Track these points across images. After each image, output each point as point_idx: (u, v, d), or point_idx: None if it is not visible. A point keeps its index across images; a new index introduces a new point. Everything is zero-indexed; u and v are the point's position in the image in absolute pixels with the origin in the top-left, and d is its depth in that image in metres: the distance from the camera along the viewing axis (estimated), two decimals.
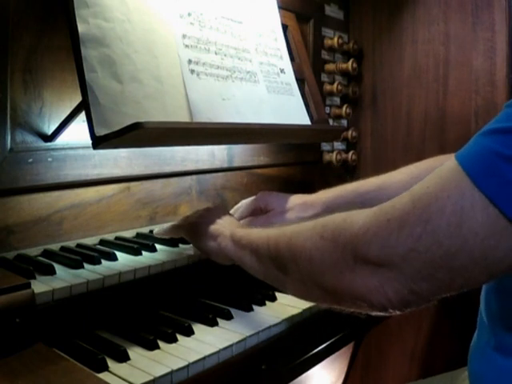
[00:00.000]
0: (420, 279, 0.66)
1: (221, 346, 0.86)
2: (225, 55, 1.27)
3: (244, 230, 0.97)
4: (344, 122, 2.03)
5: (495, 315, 0.82)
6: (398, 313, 0.72)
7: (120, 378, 0.76)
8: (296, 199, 1.30)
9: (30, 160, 1.06)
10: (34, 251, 1.06)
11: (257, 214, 1.31)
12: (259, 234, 0.91)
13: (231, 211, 1.34)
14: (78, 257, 1.00)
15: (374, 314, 0.74)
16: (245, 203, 1.33)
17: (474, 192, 0.62)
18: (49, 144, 1.10)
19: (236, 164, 1.54)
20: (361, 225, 0.71)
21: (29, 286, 0.81)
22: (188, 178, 1.39)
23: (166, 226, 1.13)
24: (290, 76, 1.48)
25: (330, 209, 1.25)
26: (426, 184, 0.68)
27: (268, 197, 1.32)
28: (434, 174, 0.68)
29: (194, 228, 1.08)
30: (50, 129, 1.10)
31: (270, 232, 0.88)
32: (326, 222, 0.78)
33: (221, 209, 1.13)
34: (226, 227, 1.01)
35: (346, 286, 0.72)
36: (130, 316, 0.96)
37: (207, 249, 1.03)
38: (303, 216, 1.25)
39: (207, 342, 0.88)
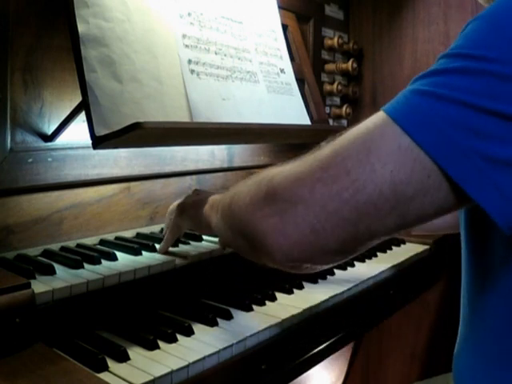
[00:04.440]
0: (324, 216, 0.63)
1: (221, 346, 0.86)
2: (225, 55, 1.27)
3: (219, 194, 0.95)
4: (344, 122, 2.03)
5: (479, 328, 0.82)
6: (303, 268, 0.69)
7: (120, 377, 0.76)
8: None
9: (30, 160, 1.06)
10: (34, 251, 1.06)
11: None
12: (225, 193, 0.89)
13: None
14: (77, 257, 1.00)
15: (282, 266, 0.70)
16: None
17: (388, 124, 0.62)
18: (49, 144, 1.10)
19: (236, 164, 1.54)
20: (281, 168, 0.71)
21: (29, 285, 0.81)
22: (188, 178, 1.39)
23: (163, 241, 1.12)
24: (290, 76, 1.49)
25: None
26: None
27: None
28: None
29: (183, 205, 1.08)
30: (50, 129, 1.10)
31: (233, 188, 0.86)
32: (263, 170, 0.77)
33: (204, 190, 1.14)
34: (207, 195, 1.01)
35: (254, 226, 0.70)
36: (129, 316, 0.96)
37: (193, 220, 1.03)
38: None
39: (207, 342, 0.88)
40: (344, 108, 1.94)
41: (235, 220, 0.77)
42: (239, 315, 1.00)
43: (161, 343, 0.86)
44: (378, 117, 0.65)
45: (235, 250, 0.87)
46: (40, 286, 0.87)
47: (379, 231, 0.65)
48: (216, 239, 1.22)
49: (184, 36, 1.19)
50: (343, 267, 1.32)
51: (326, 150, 0.67)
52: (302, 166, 0.67)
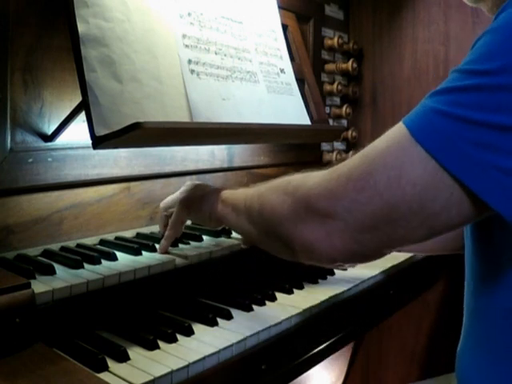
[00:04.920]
0: (363, 230, 0.71)
1: (221, 346, 0.86)
2: (225, 55, 1.27)
3: (230, 191, 1.02)
4: (344, 122, 2.03)
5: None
6: (347, 265, 0.80)
7: (120, 377, 0.76)
8: None
9: (30, 160, 1.06)
10: (34, 251, 1.06)
11: None
12: (241, 192, 0.98)
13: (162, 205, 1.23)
14: (77, 257, 1.00)
15: (326, 265, 0.81)
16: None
17: (414, 146, 0.67)
18: (49, 144, 1.10)
19: (236, 164, 1.54)
20: (315, 181, 0.77)
21: (29, 285, 0.81)
22: (188, 178, 1.39)
23: (164, 238, 1.12)
24: (290, 76, 1.48)
25: None
26: (375, 143, 0.74)
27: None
28: (383, 135, 0.74)
29: (188, 200, 1.10)
30: (50, 129, 1.10)
31: (250, 190, 0.95)
32: (290, 179, 0.84)
33: (204, 183, 1.17)
34: (216, 190, 1.06)
35: (298, 235, 0.78)
36: (129, 316, 0.96)
37: (201, 214, 1.07)
38: None
39: (207, 342, 0.88)
40: (344, 108, 1.94)
41: (271, 227, 0.85)
42: (239, 315, 1.00)
43: (161, 343, 0.86)
44: (401, 135, 0.69)
45: (263, 248, 0.94)
46: (40, 285, 0.87)
47: (412, 239, 0.73)
48: (216, 240, 1.23)
49: (184, 36, 1.19)
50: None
51: (356, 165, 0.73)
52: (335, 182, 0.74)
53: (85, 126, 0.99)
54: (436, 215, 0.68)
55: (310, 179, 0.79)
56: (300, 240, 0.78)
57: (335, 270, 1.28)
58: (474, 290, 0.86)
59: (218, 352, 0.85)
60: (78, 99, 1.02)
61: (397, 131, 0.71)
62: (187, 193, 1.12)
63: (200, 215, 1.08)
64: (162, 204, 1.18)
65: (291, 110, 1.44)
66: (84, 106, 0.98)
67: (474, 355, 0.84)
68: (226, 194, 1.02)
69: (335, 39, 1.90)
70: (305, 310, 1.04)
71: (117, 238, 1.19)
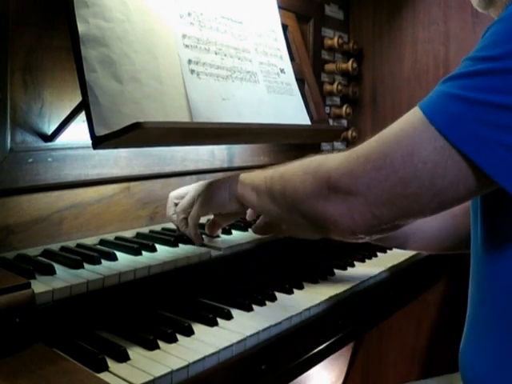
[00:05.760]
0: (381, 205, 0.77)
1: (221, 346, 0.86)
2: (225, 55, 1.27)
3: (247, 173, 1.07)
4: (344, 122, 2.03)
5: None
6: (366, 238, 0.83)
7: (120, 377, 0.76)
8: None
9: (30, 160, 1.06)
10: (34, 251, 1.06)
11: None
12: (259, 173, 1.04)
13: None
14: (77, 257, 1.00)
15: (345, 239, 0.86)
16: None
17: (426, 126, 0.72)
18: (49, 144, 1.10)
19: (236, 164, 1.54)
20: (335, 162, 0.83)
21: (29, 285, 0.81)
22: (188, 178, 1.39)
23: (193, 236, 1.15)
24: (290, 76, 1.48)
25: None
26: (391, 125, 0.79)
27: None
28: (399, 119, 0.79)
29: (206, 191, 1.12)
30: (50, 129, 1.10)
31: (268, 171, 1.01)
32: (310, 160, 0.90)
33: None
34: (232, 175, 1.11)
35: (321, 211, 0.84)
36: (129, 316, 0.96)
37: (220, 198, 1.09)
38: None
39: (207, 342, 0.88)
40: (344, 108, 1.94)
41: (294, 206, 0.90)
42: (239, 315, 1.00)
43: (161, 343, 0.86)
44: (415, 117, 0.74)
45: (286, 225, 1.03)
46: (40, 285, 0.87)
47: (425, 212, 0.78)
48: (217, 240, 1.22)
49: (184, 36, 1.19)
50: (343, 267, 1.32)
51: (373, 146, 0.78)
52: (355, 162, 0.79)
53: (85, 126, 0.99)
54: (445, 190, 0.73)
55: (329, 160, 0.84)
56: (323, 216, 0.84)
57: (335, 270, 1.28)
58: (479, 278, 0.87)
59: (218, 352, 0.85)
60: (78, 99, 1.02)
61: (412, 114, 0.76)
62: (203, 189, 1.13)
63: (219, 200, 1.10)
64: (179, 208, 1.17)
65: (291, 110, 1.44)
66: (84, 106, 0.98)
67: (479, 346, 0.85)
68: (243, 175, 1.06)
69: (335, 39, 1.90)
70: (305, 310, 1.04)
71: (117, 238, 1.19)
